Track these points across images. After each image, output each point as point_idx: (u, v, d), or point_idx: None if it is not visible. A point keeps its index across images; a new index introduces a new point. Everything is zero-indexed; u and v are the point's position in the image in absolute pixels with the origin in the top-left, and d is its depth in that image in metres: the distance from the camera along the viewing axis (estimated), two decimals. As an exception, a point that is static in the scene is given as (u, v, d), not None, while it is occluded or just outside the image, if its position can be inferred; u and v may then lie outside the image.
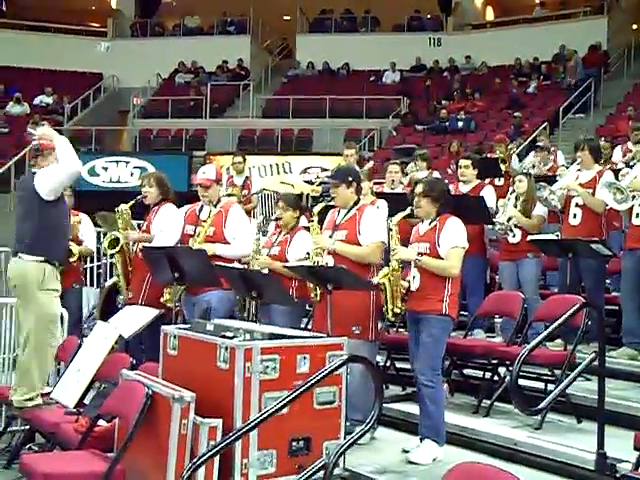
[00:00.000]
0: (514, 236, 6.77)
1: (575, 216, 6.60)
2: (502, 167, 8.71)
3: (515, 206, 6.82)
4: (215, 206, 5.92)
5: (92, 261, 8.50)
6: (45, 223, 5.15)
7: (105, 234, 6.59)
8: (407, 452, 4.77)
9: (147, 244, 6.05)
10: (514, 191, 6.90)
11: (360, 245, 5.06)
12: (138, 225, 6.44)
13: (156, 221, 6.22)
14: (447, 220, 4.84)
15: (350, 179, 5.19)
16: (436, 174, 8.26)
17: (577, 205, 6.58)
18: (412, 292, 4.84)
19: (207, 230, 5.81)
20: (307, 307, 6.04)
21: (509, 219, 6.76)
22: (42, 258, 5.14)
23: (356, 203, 5.21)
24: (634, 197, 6.11)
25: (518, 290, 6.49)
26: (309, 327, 6.20)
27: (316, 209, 5.37)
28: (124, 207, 6.27)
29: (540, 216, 6.82)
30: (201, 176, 6.01)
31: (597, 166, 6.71)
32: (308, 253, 5.44)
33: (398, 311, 4.85)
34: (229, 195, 7.96)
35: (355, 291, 4.91)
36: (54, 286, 5.16)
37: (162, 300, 5.78)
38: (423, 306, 4.77)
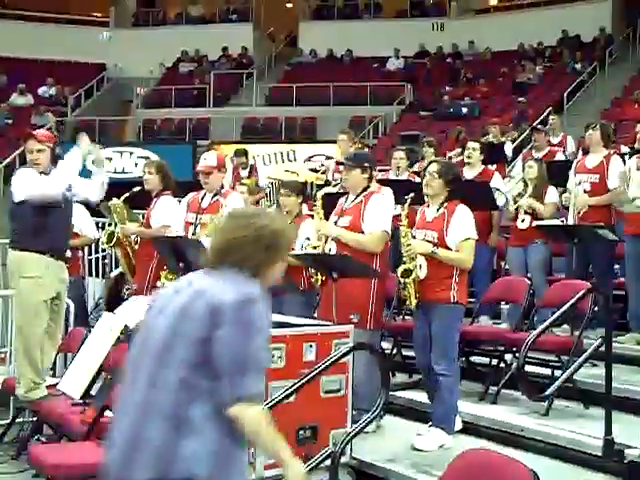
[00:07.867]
0: (523, 221, 6.75)
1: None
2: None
3: (525, 192, 6.80)
4: (216, 194, 5.90)
5: (97, 252, 8.49)
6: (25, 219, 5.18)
7: (110, 224, 6.58)
8: (420, 435, 4.75)
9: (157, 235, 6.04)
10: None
11: (363, 232, 5.01)
12: (143, 216, 6.42)
13: (154, 213, 6.19)
14: (456, 209, 4.79)
15: (366, 165, 5.15)
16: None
17: (585, 192, 6.54)
18: (420, 280, 4.79)
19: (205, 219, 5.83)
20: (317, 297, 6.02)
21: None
22: (21, 247, 5.18)
23: (365, 190, 5.15)
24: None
25: (526, 276, 6.47)
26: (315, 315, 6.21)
27: (319, 194, 5.34)
28: (116, 201, 6.21)
29: (553, 203, 6.79)
30: (202, 163, 5.96)
31: (604, 150, 6.65)
32: (308, 238, 5.42)
33: (416, 301, 4.81)
34: (242, 184, 8.07)
35: (356, 278, 4.87)
36: (34, 273, 5.13)
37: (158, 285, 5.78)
38: (431, 295, 4.74)
